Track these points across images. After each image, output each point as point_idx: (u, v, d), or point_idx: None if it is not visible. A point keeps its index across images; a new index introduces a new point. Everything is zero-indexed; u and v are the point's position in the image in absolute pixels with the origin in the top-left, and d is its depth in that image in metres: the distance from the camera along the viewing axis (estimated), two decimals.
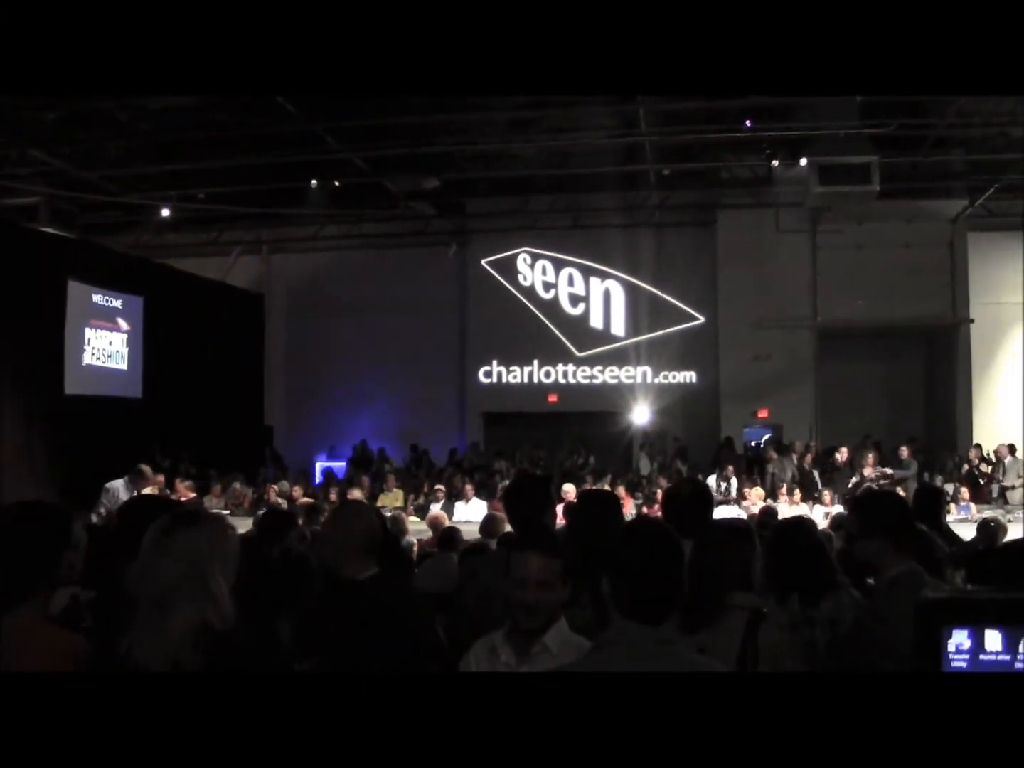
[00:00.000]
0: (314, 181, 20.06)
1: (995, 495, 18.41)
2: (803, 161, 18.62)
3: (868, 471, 17.97)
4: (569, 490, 14.72)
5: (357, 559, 4.24)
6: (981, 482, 19.03)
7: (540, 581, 3.52)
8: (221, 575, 2.95)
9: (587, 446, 21.85)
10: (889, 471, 18.00)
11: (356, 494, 15.88)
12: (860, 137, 18.02)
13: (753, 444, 22.63)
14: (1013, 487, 18.30)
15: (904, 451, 19.17)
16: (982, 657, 1.85)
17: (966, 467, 19.49)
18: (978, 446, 20.53)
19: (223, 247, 25.02)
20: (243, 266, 25.33)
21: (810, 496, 17.17)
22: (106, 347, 19.89)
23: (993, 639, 1.84)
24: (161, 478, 15.48)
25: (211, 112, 16.89)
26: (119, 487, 13.07)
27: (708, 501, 5.22)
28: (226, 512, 14.95)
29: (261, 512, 10.66)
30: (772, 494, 17.34)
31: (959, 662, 1.85)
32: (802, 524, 5.76)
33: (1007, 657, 1.84)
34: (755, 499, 16.29)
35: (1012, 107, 18.48)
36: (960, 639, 1.84)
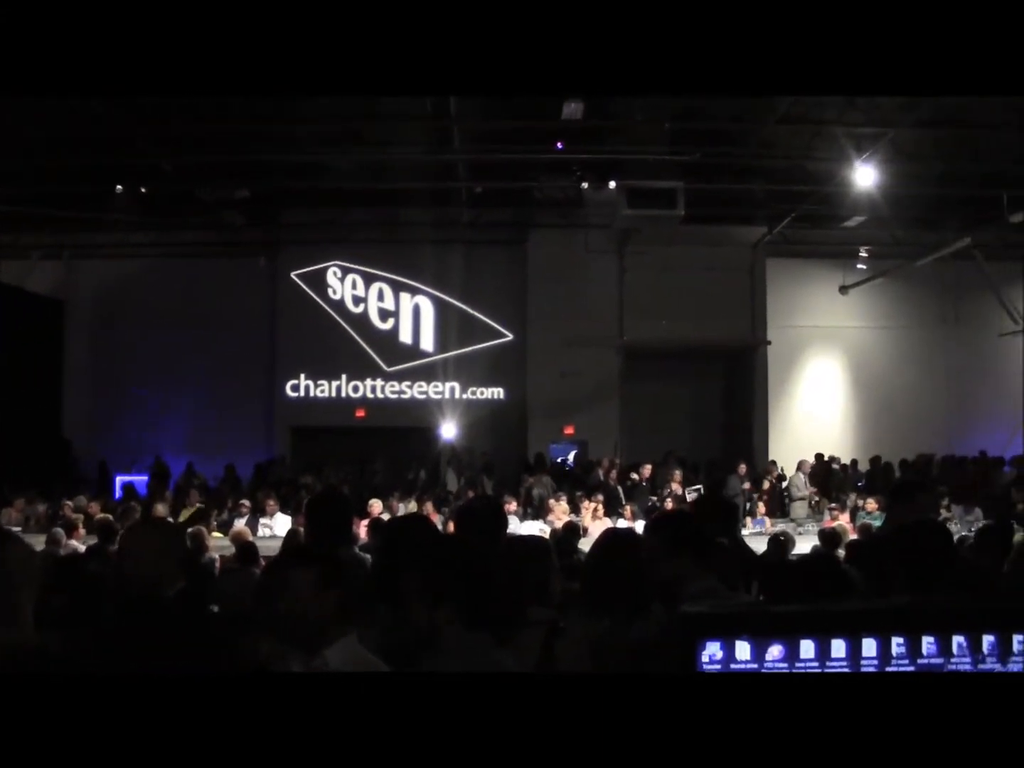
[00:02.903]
0: (119, 186, 19.44)
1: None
2: (612, 184, 19.03)
3: (676, 487, 18.52)
4: (375, 505, 14.72)
5: (159, 575, 4.16)
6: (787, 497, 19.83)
7: (303, 594, 3.52)
8: (25, 594, 2.87)
9: (396, 462, 21.87)
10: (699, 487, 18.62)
11: (160, 509, 15.49)
12: (667, 163, 18.52)
13: (559, 460, 23.00)
14: (800, 499, 19.11)
15: (743, 468, 20.04)
16: (733, 666, 1.98)
17: (767, 483, 20.19)
18: (773, 463, 21.36)
19: (22, 251, 23.99)
20: (44, 271, 24.28)
21: (614, 511, 17.50)
22: None
23: (743, 649, 1.98)
24: None
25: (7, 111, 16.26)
26: None
27: (501, 517, 5.28)
28: (17, 529, 14.39)
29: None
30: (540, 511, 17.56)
31: (712, 671, 1.98)
32: (622, 540, 5.67)
33: (755, 665, 1.99)
34: (560, 514, 16.50)
35: (809, 140, 19.29)
36: (713, 650, 1.96)
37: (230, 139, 18.15)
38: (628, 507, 17.39)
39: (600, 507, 17.07)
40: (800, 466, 20.09)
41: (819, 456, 21.60)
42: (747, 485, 19.57)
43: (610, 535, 5.18)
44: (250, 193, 20.56)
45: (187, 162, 19.11)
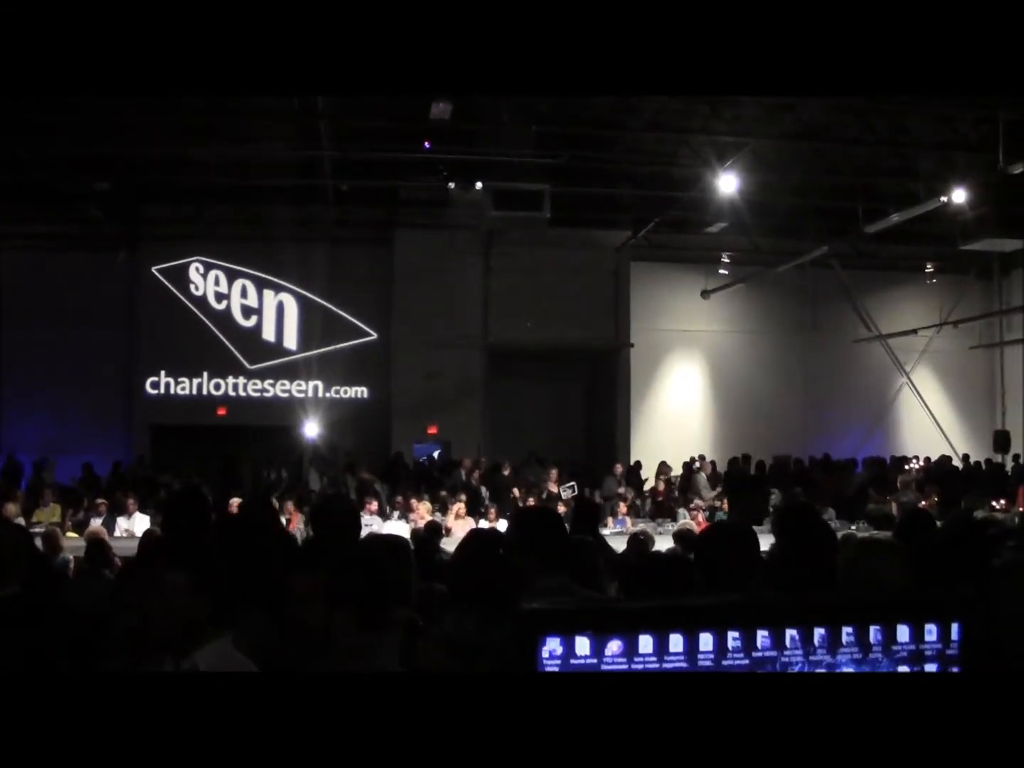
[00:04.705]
0: None
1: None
2: (479, 185, 19.07)
3: (553, 487, 18.72)
4: (235, 503, 14.54)
5: None
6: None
7: (172, 596, 3.42)
8: None
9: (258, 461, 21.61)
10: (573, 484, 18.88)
11: (11, 509, 15.06)
12: (534, 166, 18.65)
13: (423, 460, 23.01)
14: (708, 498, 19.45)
15: (619, 469, 20.52)
16: (572, 661, 1.99)
17: (661, 483, 20.51)
18: (664, 464, 21.73)
19: None
20: None
21: (476, 511, 17.55)
22: None
23: (582, 645, 2.00)
24: None
25: None
26: None
27: (356, 518, 5.27)
28: None
29: None
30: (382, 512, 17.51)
31: (552, 666, 1.99)
32: (485, 541, 5.41)
33: (594, 660, 2.01)
34: (423, 513, 16.49)
35: (674, 147, 19.64)
36: (553, 646, 1.98)
37: (91, 131, 17.71)
38: (491, 507, 17.43)
39: (463, 507, 17.10)
40: (702, 467, 20.53)
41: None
42: (622, 488, 19.91)
43: (474, 536, 5.20)
44: (110, 186, 20.10)
45: (46, 153, 18.60)
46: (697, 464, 22.29)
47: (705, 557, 4.38)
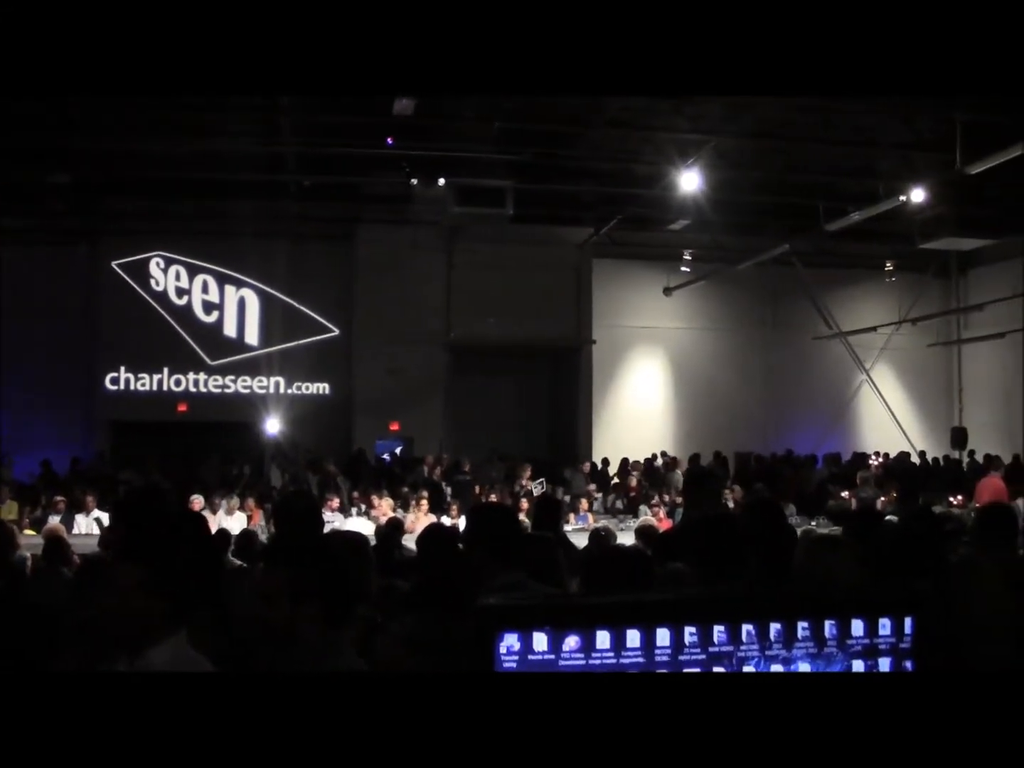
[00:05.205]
0: None
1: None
2: (441, 181, 19.05)
3: (526, 483, 18.81)
4: (196, 501, 14.50)
5: None
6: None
7: (127, 593, 3.37)
8: None
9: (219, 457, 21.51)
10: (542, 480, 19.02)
11: None
12: (497, 162, 18.66)
13: (385, 456, 22.97)
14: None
15: (587, 466, 20.89)
16: (530, 657, 2.01)
17: (633, 479, 20.56)
18: (638, 461, 21.81)
19: None
20: None
21: (438, 508, 17.54)
22: None
23: (540, 641, 2.01)
24: None
25: None
26: None
27: (317, 514, 5.27)
28: None
29: None
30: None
31: (510, 662, 2.00)
32: (441, 536, 5.54)
33: (552, 656, 2.02)
34: (385, 510, 16.47)
35: (636, 144, 19.67)
36: (511, 641, 1.99)
37: (51, 122, 17.54)
38: (453, 504, 17.43)
39: (425, 503, 17.08)
40: (677, 464, 20.65)
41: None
42: (592, 485, 20.01)
43: (428, 532, 5.20)
44: (71, 179, 19.91)
45: (3, 145, 18.39)
46: (660, 461, 22.41)
47: (699, 551, 4.40)
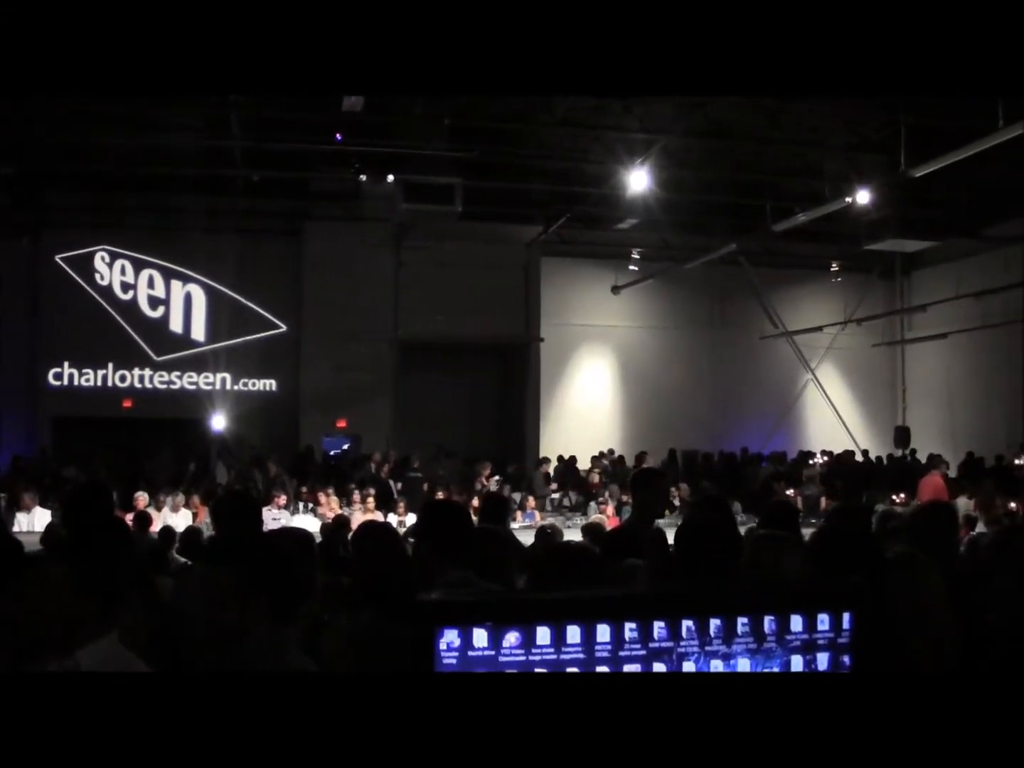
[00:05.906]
0: None
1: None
2: (390, 178, 18.99)
3: (486, 481, 18.88)
4: (141, 499, 14.41)
5: None
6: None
7: (54, 592, 3.33)
8: None
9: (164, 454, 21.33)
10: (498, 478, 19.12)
11: None
12: (446, 159, 18.62)
13: (332, 453, 22.90)
14: None
15: (546, 467, 20.96)
16: (470, 653, 2.01)
17: (596, 476, 20.64)
18: (596, 458, 21.92)
19: None
20: None
21: (385, 505, 17.50)
22: None
23: (480, 637, 2.02)
24: None
25: None
26: None
27: (257, 511, 5.25)
28: None
29: None
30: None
31: (450, 658, 2.01)
32: (377, 533, 5.32)
33: (492, 652, 2.03)
34: (332, 507, 16.43)
35: (586, 143, 19.75)
36: (451, 638, 2.00)
37: None
38: (400, 501, 17.39)
39: (372, 501, 17.04)
40: (643, 460, 20.81)
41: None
42: (553, 485, 20.09)
43: (363, 529, 5.17)
44: (14, 171, 19.67)
45: None
46: (607, 459, 22.48)
47: (684, 553, 4.39)
